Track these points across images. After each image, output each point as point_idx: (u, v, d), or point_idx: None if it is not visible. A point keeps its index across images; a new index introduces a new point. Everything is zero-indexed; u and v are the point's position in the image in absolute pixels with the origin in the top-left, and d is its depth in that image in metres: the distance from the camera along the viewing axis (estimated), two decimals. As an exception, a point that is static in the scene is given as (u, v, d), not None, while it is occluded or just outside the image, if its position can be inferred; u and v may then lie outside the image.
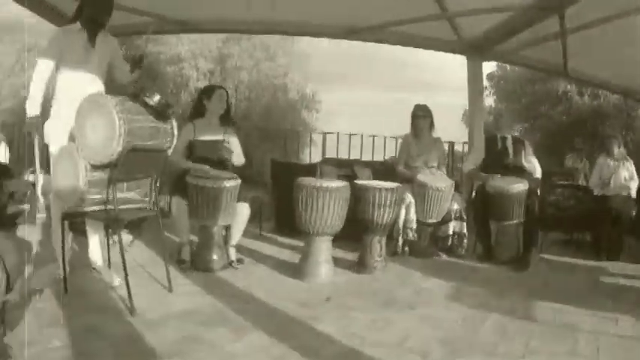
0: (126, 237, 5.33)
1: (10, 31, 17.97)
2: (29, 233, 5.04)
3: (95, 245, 4.54)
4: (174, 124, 4.07)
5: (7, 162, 7.49)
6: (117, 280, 4.20)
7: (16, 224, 5.30)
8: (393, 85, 39.48)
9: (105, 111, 3.63)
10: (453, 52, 6.77)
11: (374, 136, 8.28)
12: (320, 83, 18.13)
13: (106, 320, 3.51)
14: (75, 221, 4.48)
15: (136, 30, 7.22)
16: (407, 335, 3.43)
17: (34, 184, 6.42)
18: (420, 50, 7.37)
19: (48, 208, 6.44)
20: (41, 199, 6.45)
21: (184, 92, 14.82)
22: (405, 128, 6.27)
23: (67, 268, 4.09)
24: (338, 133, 8.48)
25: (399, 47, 7.29)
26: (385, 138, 8.13)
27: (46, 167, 7.88)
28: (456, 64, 7.30)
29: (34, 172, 6.83)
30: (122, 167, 3.70)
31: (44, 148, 8.18)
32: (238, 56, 15.94)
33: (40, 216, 6.25)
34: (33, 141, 6.65)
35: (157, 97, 3.81)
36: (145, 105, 3.83)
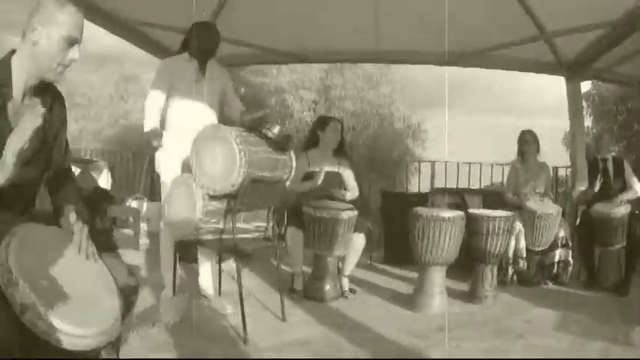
0: (233, 266, 5.52)
1: (106, 63, 18.77)
2: (133, 258, 5.24)
3: (206, 273, 4.63)
4: (293, 155, 4.11)
5: (110, 188, 7.80)
6: (229, 308, 4.30)
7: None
8: (491, 109, 38.93)
9: (225, 142, 3.72)
10: (551, 73, 6.70)
11: (481, 163, 8.24)
12: (419, 110, 18.13)
13: (216, 347, 3.60)
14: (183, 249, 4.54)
15: (241, 61, 7.58)
16: None
17: (138, 211, 6.81)
18: (515, 73, 7.32)
19: (151, 235, 6.67)
20: (144, 226, 6.68)
21: (289, 123, 15.05)
22: (506, 154, 6.25)
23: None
24: (446, 162, 8.48)
25: (495, 71, 7.29)
26: (492, 165, 8.09)
27: (150, 195, 8.17)
28: (551, 86, 7.20)
29: (137, 198, 7.12)
30: (242, 198, 3.76)
31: (148, 176, 8.48)
32: (342, 86, 16.11)
33: (144, 242, 6.56)
34: (144, 166, 6.87)
35: (276, 129, 3.87)
36: (264, 137, 3.89)
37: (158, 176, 8.11)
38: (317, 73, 15.86)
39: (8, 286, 1.76)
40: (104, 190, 6.94)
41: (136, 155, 10.90)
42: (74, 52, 2.18)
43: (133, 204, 7.23)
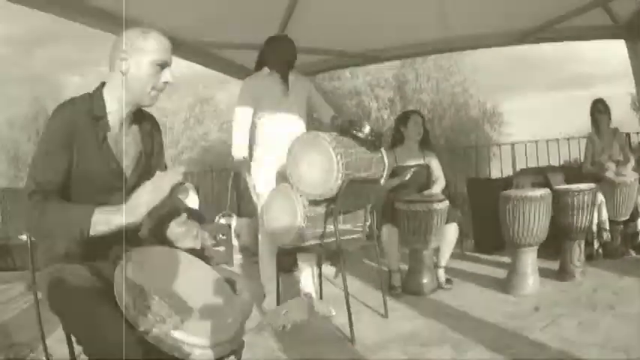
0: (329, 269, 5.61)
1: (178, 88, 19.31)
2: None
3: (308, 278, 4.75)
4: (384, 152, 4.20)
5: (198, 208, 8.15)
6: (332, 311, 4.40)
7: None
8: (556, 83, 37.99)
9: (321, 148, 3.81)
10: (612, 37, 6.57)
11: (557, 140, 8.26)
12: (492, 94, 18.03)
13: (325, 349, 3.73)
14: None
15: (314, 68, 7.61)
16: (610, 335, 3.50)
17: (229, 227, 6.91)
18: (576, 43, 7.25)
19: (243, 249, 6.95)
20: (236, 242, 6.85)
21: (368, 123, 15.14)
22: (580, 126, 6.27)
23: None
24: (525, 143, 8.54)
25: (555, 45, 7.13)
26: (569, 140, 8.10)
27: (237, 210, 8.43)
28: (613, 52, 7.10)
29: (225, 215, 7.43)
30: (342, 200, 3.83)
31: (234, 192, 8.72)
32: (416, 80, 16.20)
33: (237, 257, 6.72)
34: (229, 183, 7.16)
35: (367, 129, 3.96)
36: (356, 138, 3.98)
37: (243, 192, 8.45)
38: (390, 71, 15.93)
39: (130, 308, 1.82)
40: (195, 211, 7.29)
41: (218, 173, 11.28)
42: (166, 75, 2.23)
43: (222, 221, 7.42)
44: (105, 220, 1.94)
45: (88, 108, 2.16)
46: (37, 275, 2.30)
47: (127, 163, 2.28)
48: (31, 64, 35.86)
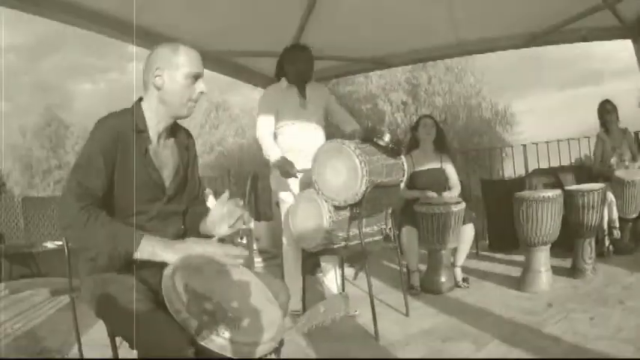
0: (349, 271, 5.73)
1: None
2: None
3: (332, 279, 4.88)
4: (404, 158, 4.33)
5: None
6: (356, 310, 4.52)
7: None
8: (566, 81, 37.84)
9: (345, 155, 3.95)
10: (619, 38, 6.67)
11: (568, 140, 8.37)
12: (504, 95, 18.11)
13: (351, 346, 3.87)
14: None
15: (328, 74, 7.72)
16: (620, 328, 3.61)
17: (250, 230, 6.88)
18: (584, 43, 7.12)
19: (262, 252, 7.00)
20: (255, 245, 6.85)
21: (382, 127, 15.17)
22: (591, 124, 6.44)
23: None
24: (537, 144, 8.65)
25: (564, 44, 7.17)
26: (579, 139, 8.21)
27: (255, 214, 8.51)
28: (620, 50, 7.12)
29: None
30: (366, 204, 3.96)
31: (252, 196, 8.78)
32: (428, 83, 16.29)
33: (257, 260, 6.81)
34: (247, 187, 7.20)
35: (387, 137, 4.08)
36: (377, 145, 4.10)
37: (258, 197, 8.54)
38: (402, 74, 15.99)
39: (181, 312, 1.89)
40: None
41: (235, 177, 11.43)
42: (200, 86, 2.31)
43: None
44: (150, 252, 2.08)
45: (130, 122, 2.26)
46: (78, 282, 2.39)
47: (166, 175, 2.39)
48: (42, 72, 36.04)
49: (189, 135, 2.60)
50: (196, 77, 2.32)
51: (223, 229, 2.37)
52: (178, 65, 2.27)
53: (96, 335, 3.67)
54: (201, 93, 2.34)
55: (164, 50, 2.31)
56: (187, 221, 2.55)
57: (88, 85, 40.87)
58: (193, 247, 2.13)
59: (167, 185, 2.39)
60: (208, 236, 2.40)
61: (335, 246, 4.24)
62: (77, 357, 3.34)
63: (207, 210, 2.56)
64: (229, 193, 2.49)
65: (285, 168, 4.42)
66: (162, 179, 2.37)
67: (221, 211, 2.40)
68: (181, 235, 2.44)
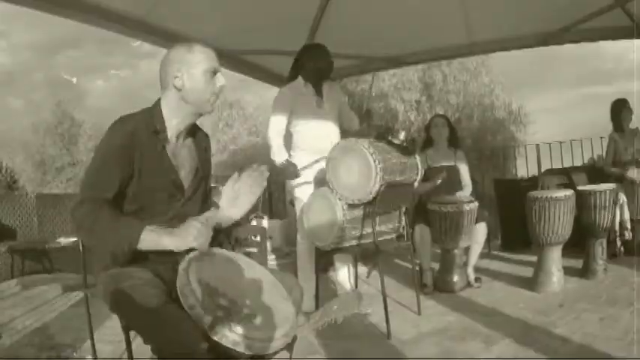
0: (362, 269, 5.72)
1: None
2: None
3: (345, 277, 4.92)
4: (418, 157, 4.36)
5: None
6: (368, 309, 4.48)
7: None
8: (579, 80, 37.59)
9: (359, 154, 3.97)
10: (631, 37, 6.48)
11: (581, 140, 8.38)
12: (519, 94, 18.01)
13: (362, 344, 3.88)
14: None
15: (342, 73, 7.67)
16: (629, 329, 3.60)
17: (264, 229, 6.87)
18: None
19: (275, 250, 6.90)
20: (268, 243, 6.83)
21: (395, 125, 15.20)
22: (604, 123, 6.39)
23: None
24: (550, 144, 8.67)
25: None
26: (591, 139, 8.21)
27: (269, 212, 8.52)
28: (633, 49, 7.05)
29: (257, 217, 7.58)
30: (379, 203, 3.99)
31: (265, 194, 8.77)
32: (443, 81, 16.27)
33: (270, 257, 6.78)
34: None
35: (402, 136, 4.11)
36: (391, 144, 4.14)
37: (272, 195, 8.53)
38: (416, 72, 15.94)
39: (195, 307, 1.92)
40: None
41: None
42: (220, 80, 2.35)
43: (254, 223, 7.42)
44: (153, 241, 2.10)
45: (148, 122, 2.29)
46: (93, 278, 2.42)
47: (184, 175, 2.40)
48: (54, 69, 36.18)
49: (206, 136, 2.63)
50: (214, 72, 2.35)
51: (244, 204, 2.42)
52: (196, 63, 2.31)
53: (108, 330, 3.74)
54: (222, 86, 2.38)
55: (179, 51, 2.34)
56: None
57: (100, 81, 40.94)
58: (192, 230, 2.14)
59: (185, 186, 2.41)
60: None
61: (348, 244, 4.26)
62: (90, 352, 3.38)
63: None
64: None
65: (289, 170, 4.49)
66: (181, 179, 2.39)
67: (233, 190, 2.41)
68: None
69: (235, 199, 2.42)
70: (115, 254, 2.21)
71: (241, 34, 5.98)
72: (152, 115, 2.33)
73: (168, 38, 5.20)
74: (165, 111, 2.35)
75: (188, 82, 2.30)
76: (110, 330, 3.40)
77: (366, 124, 4.94)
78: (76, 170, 21.46)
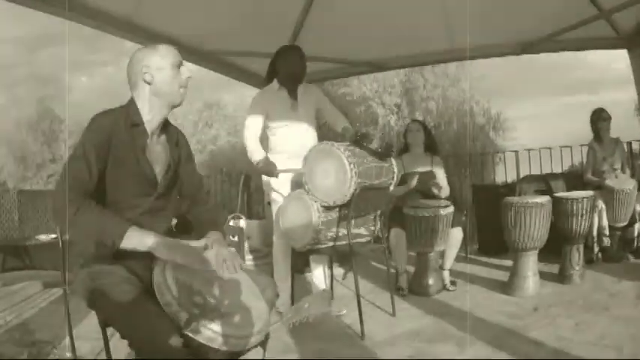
0: (338, 271, 5.74)
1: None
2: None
3: (321, 278, 4.93)
4: (394, 162, 4.39)
5: None
6: (342, 310, 4.59)
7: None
8: (561, 89, 37.91)
9: (335, 158, 4.00)
10: (614, 47, 6.71)
11: (560, 148, 8.40)
12: (498, 101, 18.13)
13: (336, 345, 3.93)
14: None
15: (324, 76, 7.73)
16: (604, 334, 3.65)
17: (242, 229, 6.99)
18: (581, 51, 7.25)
19: (252, 251, 6.86)
20: (246, 243, 6.91)
21: (374, 129, 15.31)
22: (582, 132, 6.42)
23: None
24: (529, 151, 8.69)
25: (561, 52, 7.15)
26: (571, 148, 8.25)
27: (247, 213, 8.52)
28: (616, 59, 7.14)
29: (235, 217, 7.56)
30: (354, 206, 4.03)
31: (244, 195, 8.80)
32: (423, 87, 16.31)
33: (248, 258, 6.82)
34: (239, 186, 7.15)
35: (378, 140, 4.24)
36: (367, 148, 4.20)
37: (250, 195, 8.52)
38: (397, 77, 16.01)
39: (172, 304, 2.01)
40: None
41: (228, 176, 11.41)
42: (185, 71, 2.45)
43: (231, 223, 7.46)
44: (137, 242, 2.15)
45: (125, 117, 2.35)
46: (71, 275, 2.51)
47: (158, 171, 2.45)
48: (38, 64, 35.92)
49: (178, 132, 2.68)
50: (179, 65, 2.45)
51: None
52: (161, 58, 2.41)
53: (87, 328, 3.74)
54: (188, 78, 2.47)
55: (144, 51, 2.45)
56: (194, 218, 2.68)
57: (85, 78, 40.68)
58: (181, 247, 2.22)
59: (159, 181, 2.45)
60: None
61: (323, 245, 4.29)
62: (69, 349, 3.45)
63: (213, 210, 2.72)
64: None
65: (267, 168, 4.49)
66: (155, 174, 2.42)
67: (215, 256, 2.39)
68: (170, 231, 2.53)
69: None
70: (99, 248, 2.25)
71: (224, 35, 5.99)
72: (129, 109, 2.39)
73: (151, 38, 5.18)
74: (140, 106, 2.41)
75: (157, 75, 2.39)
76: (89, 327, 3.39)
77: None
78: (57, 167, 21.37)
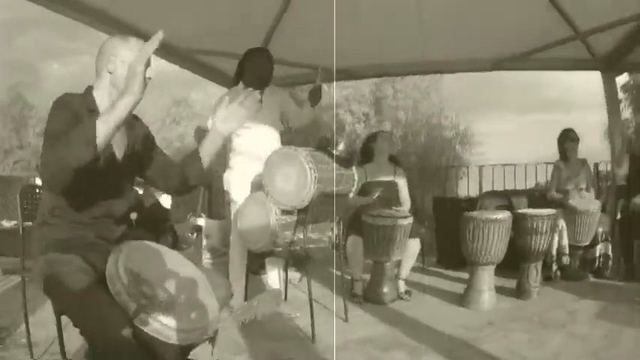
0: (293, 274, 5.73)
1: (154, 88, 19.48)
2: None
3: (275, 281, 4.95)
4: (355, 169, 4.44)
5: (169, 207, 8.07)
6: (296, 313, 4.62)
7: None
8: (529, 107, 38.50)
9: (296, 162, 4.03)
10: (587, 69, 6.80)
11: (525, 165, 8.46)
12: (466, 115, 18.26)
13: (288, 346, 3.92)
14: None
15: (292, 81, 7.65)
16: (559, 351, 3.65)
17: (201, 227, 7.05)
18: (553, 71, 7.39)
19: (211, 249, 7.02)
20: (204, 242, 6.94)
21: (339, 137, 15.29)
22: (547, 152, 6.45)
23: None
24: (494, 166, 8.73)
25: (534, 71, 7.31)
26: (536, 166, 8.30)
27: (208, 212, 8.49)
28: (589, 81, 7.21)
29: (194, 215, 7.53)
30: (312, 211, 4.08)
31: (206, 194, 8.76)
32: (393, 97, 16.36)
33: (206, 256, 6.83)
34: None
35: (341, 147, 4.26)
36: (330, 154, 4.23)
37: (212, 195, 8.48)
38: (368, 86, 16.10)
39: (121, 294, 2.03)
40: (164, 208, 7.28)
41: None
42: (148, 72, 2.31)
43: (191, 220, 7.57)
44: (106, 118, 2.02)
45: (83, 103, 2.38)
46: (30, 263, 2.48)
47: (118, 150, 2.48)
48: (11, 50, 35.43)
49: (135, 117, 2.64)
50: (146, 65, 2.33)
51: (238, 120, 2.64)
52: (130, 51, 2.40)
53: (44, 315, 3.75)
54: (149, 78, 2.32)
55: (116, 40, 2.49)
56: (187, 172, 2.66)
57: (57, 65, 40.23)
58: (136, 67, 2.07)
59: (120, 159, 2.49)
60: None
61: (279, 249, 4.29)
62: (24, 335, 3.54)
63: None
64: None
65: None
66: (114, 153, 2.46)
67: (227, 110, 2.59)
68: (130, 225, 2.64)
69: (228, 118, 2.59)
70: (67, 234, 2.34)
71: (197, 33, 5.95)
72: (86, 96, 2.44)
73: (126, 32, 5.09)
74: (98, 95, 2.46)
75: (120, 68, 2.41)
76: (46, 314, 3.32)
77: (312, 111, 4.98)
78: (24, 153, 21.06)
